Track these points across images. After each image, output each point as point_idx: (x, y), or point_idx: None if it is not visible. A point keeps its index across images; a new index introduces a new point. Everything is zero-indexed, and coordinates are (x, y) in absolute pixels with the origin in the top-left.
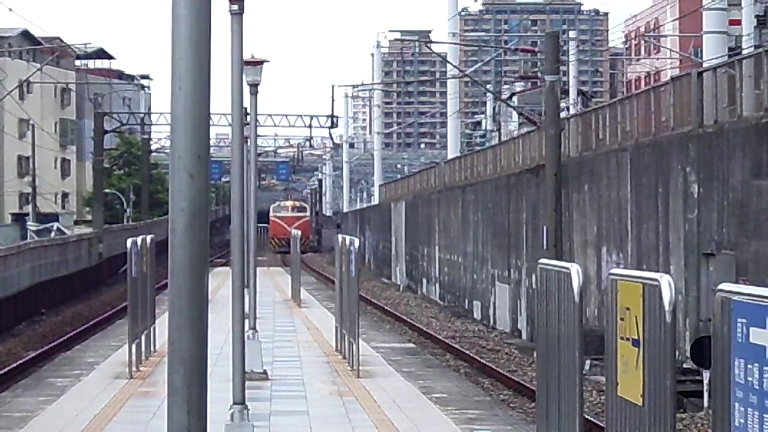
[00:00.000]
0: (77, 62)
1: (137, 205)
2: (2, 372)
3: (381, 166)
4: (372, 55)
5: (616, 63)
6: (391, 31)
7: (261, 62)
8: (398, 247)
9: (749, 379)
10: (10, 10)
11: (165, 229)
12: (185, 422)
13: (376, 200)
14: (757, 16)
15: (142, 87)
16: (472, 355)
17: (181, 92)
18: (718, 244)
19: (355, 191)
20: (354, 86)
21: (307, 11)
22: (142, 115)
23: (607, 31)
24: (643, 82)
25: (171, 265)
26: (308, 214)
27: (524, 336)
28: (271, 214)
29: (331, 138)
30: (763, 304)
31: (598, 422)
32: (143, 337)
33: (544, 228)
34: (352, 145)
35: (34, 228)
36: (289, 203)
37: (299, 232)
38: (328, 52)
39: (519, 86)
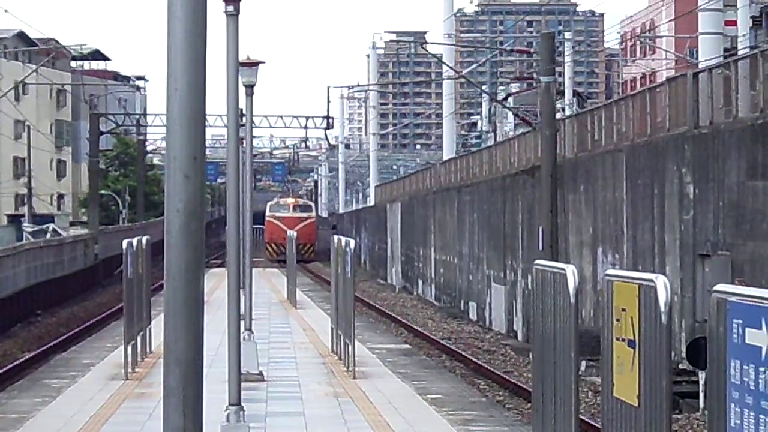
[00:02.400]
0: (73, 63)
1: (133, 207)
2: None
3: (377, 167)
4: (368, 56)
5: (612, 64)
6: (386, 32)
7: (256, 63)
8: (394, 248)
9: (745, 380)
10: (6, 11)
11: (161, 230)
12: (181, 423)
13: (371, 201)
14: (752, 17)
15: (138, 88)
16: (467, 356)
17: (177, 93)
18: (713, 245)
19: (351, 192)
20: (350, 87)
21: (303, 12)
22: (137, 117)
23: (603, 32)
24: (638, 83)
25: (167, 267)
26: (313, 214)
27: (520, 337)
28: (267, 213)
29: (327, 139)
30: (758, 305)
31: (593, 423)
32: (139, 339)
33: (540, 229)
34: (347, 146)
35: (29, 229)
36: (290, 200)
37: (294, 233)
38: (324, 54)
39: (514, 87)
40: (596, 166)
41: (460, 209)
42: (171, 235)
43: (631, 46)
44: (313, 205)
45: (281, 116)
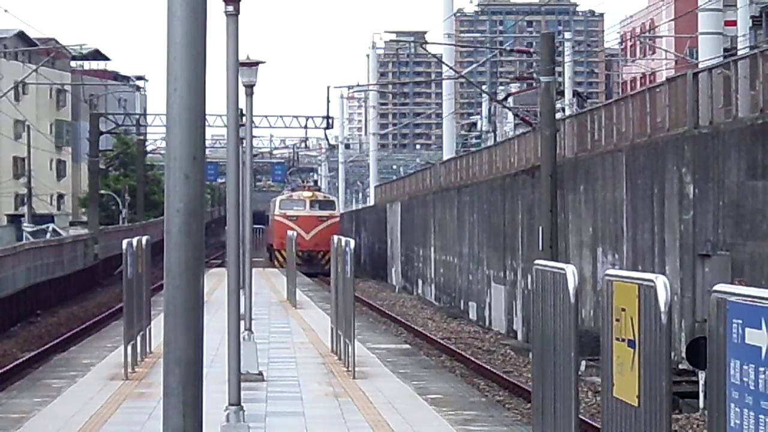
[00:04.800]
0: (72, 63)
1: (133, 206)
2: None
3: (376, 167)
4: (367, 56)
5: (612, 64)
6: (386, 32)
7: (256, 63)
8: (394, 248)
9: (745, 379)
10: (6, 11)
11: (161, 230)
12: (181, 423)
13: (371, 201)
14: (752, 17)
15: (138, 88)
16: (467, 356)
17: (177, 93)
18: (713, 245)
19: (351, 192)
20: (349, 87)
21: (303, 12)
22: (137, 117)
23: (603, 32)
24: (638, 83)
25: (166, 266)
26: (336, 212)
27: (520, 337)
28: (275, 211)
29: (327, 139)
30: (758, 304)
31: (593, 423)
32: (139, 338)
33: (540, 229)
34: (347, 146)
35: (29, 229)
36: (306, 194)
37: (294, 233)
38: (324, 53)
39: (514, 87)
40: (596, 166)
41: (460, 209)
42: (171, 235)
43: (631, 46)
44: (335, 200)
45: (281, 116)
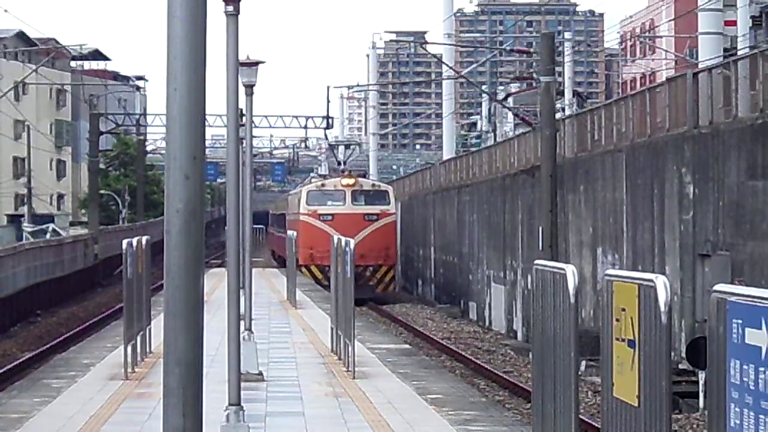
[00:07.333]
0: (72, 63)
1: (133, 207)
2: None
3: (376, 168)
4: (367, 56)
5: (612, 64)
6: (386, 32)
7: (256, 63)
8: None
9: (745, 379)
10: (6, 11)
11: (161, 230)
12: (181, 423)
13: None
14: (752, 17)
15: (138, 88)
16: (467, 356)
17: (177, 93)
18: (713, 245)
19: None
20: (349, 87)
21: (303, 12)
22: (137, 117)
23: (603, 32)
24: (638, 83)
25: (166, 266)
26: (392, 208)
27: (520, 337)
28: (300, 208)
29: (327, 139)
30: (758, 304)
31: (593, 423)
32: (139, 339)
33: (540, 229)
34: (347, 146)
35: (29, 229)
36: (346, 182)
37: (294, 234)
38: (324, 53)
39: (514, 87)
40: (596, 166)
41: (460, 209)
42: (171, 235)
43: (631, 46)
44: (389, 190)
45: (281, 116)
